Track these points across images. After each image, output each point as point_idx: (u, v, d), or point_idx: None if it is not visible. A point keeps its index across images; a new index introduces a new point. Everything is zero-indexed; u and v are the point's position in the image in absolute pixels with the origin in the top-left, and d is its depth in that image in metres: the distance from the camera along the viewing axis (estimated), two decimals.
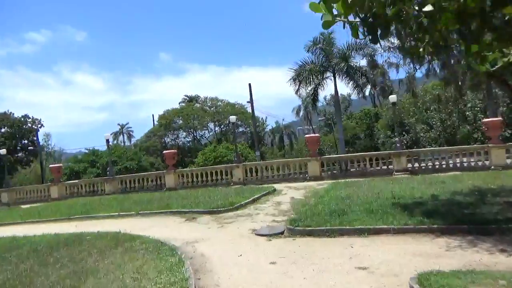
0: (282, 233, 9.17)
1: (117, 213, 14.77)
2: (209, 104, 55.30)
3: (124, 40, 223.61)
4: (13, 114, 50.41)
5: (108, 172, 24.86)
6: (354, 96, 62.35)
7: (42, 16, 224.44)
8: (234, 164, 22.57)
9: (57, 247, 10.12)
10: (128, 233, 10.30)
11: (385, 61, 9.26)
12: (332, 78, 33.08)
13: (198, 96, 59.76)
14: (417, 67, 9.45)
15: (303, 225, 9.07)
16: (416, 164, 19.83)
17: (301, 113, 66.52)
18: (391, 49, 9.00)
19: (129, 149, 50.23)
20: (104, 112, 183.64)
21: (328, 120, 57.84)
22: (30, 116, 51.04)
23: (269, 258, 7.31)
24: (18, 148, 50.67)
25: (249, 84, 36.11)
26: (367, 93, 61.94)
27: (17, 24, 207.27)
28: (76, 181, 26.58)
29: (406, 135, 39.01)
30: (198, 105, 56.22)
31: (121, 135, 70.23)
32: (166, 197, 16.92)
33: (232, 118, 23.44)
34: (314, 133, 36.53)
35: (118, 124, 70.91)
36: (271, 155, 55.48)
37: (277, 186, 19.05)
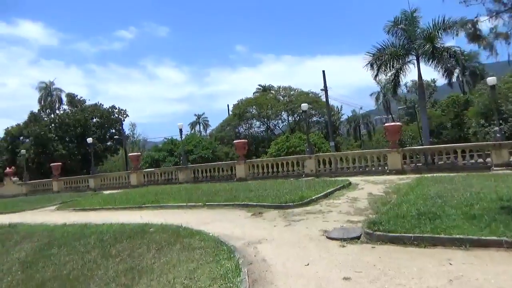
0: (358, 237, 7.72)
1: (184, 204, 14.35)
2: (282, 93, 54.13)
3: (202, 34, 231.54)
4: (103, 105, 54.15)
5: (181, 161, 25.00)
6: (439, 83, 56.96)
7: (129, 14, 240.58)
8: (306, 155, 21.21)
9: (120, 239, 9.81)
10: (189, 228, 9.60)
11: (492, 30, 7.05)
12: (415, 61, 29.82)
13: (272, 85, 58.91)
14: None
15: (385, 229, 7.52)
16: None
17: (379, 101, 62.50)
18: (500, 15, 6.77)
19: (204, 139, 51.25)
20: (184, 103, 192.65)
21: (409, 108, 53.34)
22: (117, 106, 54.38)
23: (342, 271, 5.96)
24: (107, 136, 54.37)
25: (323, 71, 34.21)
26: (454, 78, 56.45)
27: (108, 23, 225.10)
28: (153, 169, 27.26)
29: (504, 124, 34.06)
30: (271, 94, 55.39)
31: (198, 125, 72.37)
32: (235, 188, 16.19)
33: (304, 106, 21.98)
34: (394, 122, 33.47)
35: (195, 115, 73.18)
36: (347, 145, 52.88)
37: (352, 179, 17.34)
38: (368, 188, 14.64)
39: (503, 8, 7.34)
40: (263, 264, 6.64)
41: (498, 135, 16.97)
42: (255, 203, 12.66)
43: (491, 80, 17.47)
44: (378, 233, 7.49)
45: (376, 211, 9.83)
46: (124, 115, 54.44)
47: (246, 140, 23.69)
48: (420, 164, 18.65)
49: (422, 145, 30.02)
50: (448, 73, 30.04)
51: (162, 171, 25.71)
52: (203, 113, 76.64)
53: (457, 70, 53.63)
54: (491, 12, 7.58)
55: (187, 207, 14.01)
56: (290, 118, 54.14)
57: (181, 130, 25.03)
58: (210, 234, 8.75)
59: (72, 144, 48.97)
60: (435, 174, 16.00)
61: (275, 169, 22.00)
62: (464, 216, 7.73)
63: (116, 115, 54.27)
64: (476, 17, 7.78)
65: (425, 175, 16.11)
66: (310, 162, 20.81)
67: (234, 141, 24.21)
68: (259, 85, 60.36)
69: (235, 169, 22.76)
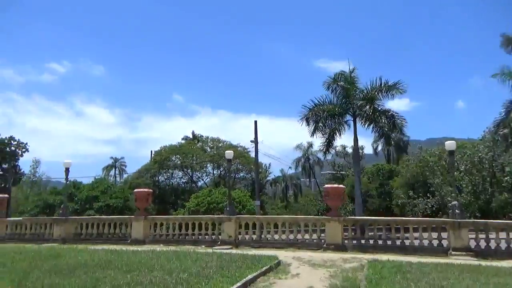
0: None
1: None
2: (210, 144, 49.43)
3: (139, 78, 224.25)
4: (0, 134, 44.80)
5: (61, 211, 18.34)
6: (367, 150, 56.76)
7: (64, 47, 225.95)
8: (224, 216, 16.12)
9: None
10: None
11: None
12: (352, 122, 27.41)
13: (201, 135, 53.99)
14: None
15: None
16: (482, 242, 13.30)
17: (300, 165, 59.72)
18: None
19: (116, 185, 43.90)
20: (111, 146, 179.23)
21: (337, 172, 51.43)
22: (16, 138, 45.39)
23: None
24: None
25: (255, 121, 30.57)
26: (379, 147, 56.61)
27: (39, 53, 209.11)
28: (20, 218, 20.03)
29: (431, 197, 32.48)
30: (198, 144, 50.42)
31: (114, 169, 63.83)
32: (110, 262, 10.39)
33: (228, 153, 17.25)
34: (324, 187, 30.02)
35: (111, 158, 64.57)
36: (272, 206, 48.68)
37: (281, 255, 12.54)
38: (305, 274, 9.86)
39: None
40: None
41: (457, 211, 13.54)
42: None
43: (450, 144, 14.42)
44: None
45: None
46: (23, 149, 45.41)
47: (150, 190, 18.02)
48: (364, 240, 14.51)
49: (354, 215, 26.56)
50: (385, 137, 27.87)
51: (33, 223, 18.59)
52: (122, 157, 68.42)
53: (380, 142, 54.25)
54: None
55: None
56: (215, 172, 49.20)
57: (67, 170, 18.59)
58: None
59: None
60: (380, 256, 11.87)
61: (183, 231, 16.53)
62: None
63: (13, 148, 45.10)
64: None
65: (376, 257, 11.90)
66: (229, 226, 15.70)
67: (135, 190, 18.35)
68: (185, 136, 54.40)
69: (131, 227, 16.82)
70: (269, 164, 55.35)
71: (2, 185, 44.71)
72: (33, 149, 72.24)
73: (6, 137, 44.78)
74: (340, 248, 14.09)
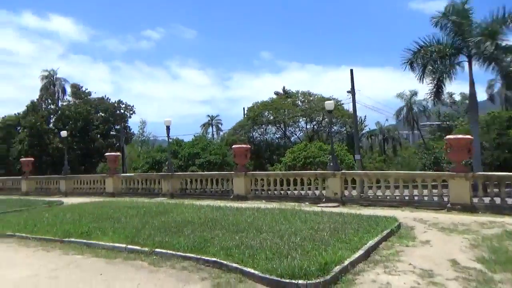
0: None
1: (123, 245, 8.24)
2: (301, 98, 47.70)
3: (229, 39, 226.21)
4: (109, 99, 49.05)
5: (167, 168, 18.86)
6: (479, 97, 49.55)
7: (158, 14, 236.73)
8: (328, 171, 14.79)
9: None
10: None
11: None
12: (466, 63, 23.16)
13: (290, 90, 52.47)
14: None
15: None
16: None
17: (402, 115, 54.66)
18: None
19: (214, 142, 45.35)
20: (207, 106, 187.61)
21: (443, 123, 46.07)
22: (124, 102, 49.21)
23: None
24: (113, 133, 49.15)
25: (351, 70, 27.87)
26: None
27: (136, 22, 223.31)
28: (133, 174, 21.34)
29: None
30: (289, 100, 49.11)
31: (210, 127, 66.38)
32: (216, 220, 9.96)
33: (329, 104, 15.53)
34: (446, 138, 26.41)
35: (208, 115, 67.10)
36: (370, 159, 45.95)
37: (398, 214, 10.95)
38: (437, 241, 8.19)
39: None
40: None
41: None
42: (234, 264, 6.45)
43: None
44: None
45: None
46: (131, 111, 49.18)
47: (248, 146, 17.45)
48: (500, 200, 12.01)
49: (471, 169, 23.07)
50: (509, 80, 23.19)
51: (143, 178, 19.65)
52: (217, 115, 70.61)
53: (498, 84, 46.66)
54: None
55: (125, 252, 7.95)
56: (308, 126, 47.71)
57: (168, 128, 18.94)
58: None
59: (73, 138, 43.79)
60: None
61: (284, 187, 15.73)
62: None
63: (123, 111, 49.11)
64: None
65: None
66: (334, 182, 14.40)
67: (234, 146, 17.94)
68: (276, 92, 53.52)
69: (232, 183, 16.58)
70: (365, 117, 51.80)
71: (117, 144, 49.53)
72: (139, 111, 78.88)
73: (115, 101, 48.92)
74: (468, 208, 11.90)
